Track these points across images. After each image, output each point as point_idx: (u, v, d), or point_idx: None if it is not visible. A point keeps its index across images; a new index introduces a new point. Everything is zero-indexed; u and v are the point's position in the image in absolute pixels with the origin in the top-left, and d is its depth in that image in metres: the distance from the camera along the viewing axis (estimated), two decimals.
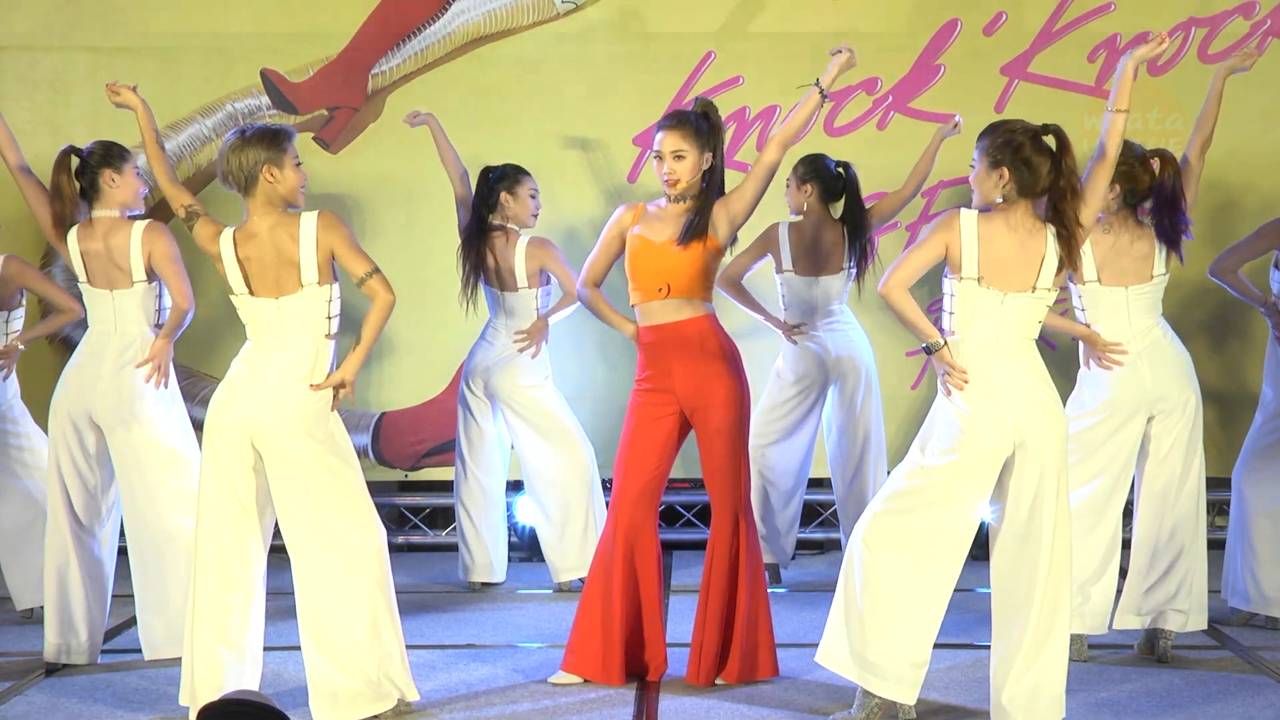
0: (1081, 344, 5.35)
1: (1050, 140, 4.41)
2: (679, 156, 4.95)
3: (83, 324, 5.51)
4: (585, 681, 5.07)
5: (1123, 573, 5.49)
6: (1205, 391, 5.39)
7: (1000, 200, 4.44)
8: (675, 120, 4.99)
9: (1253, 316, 6.92)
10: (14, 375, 5.97)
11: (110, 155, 5.38)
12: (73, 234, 5.35)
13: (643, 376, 5.08)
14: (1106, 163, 4.47)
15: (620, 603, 5.03)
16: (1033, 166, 4.38)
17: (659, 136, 4.98)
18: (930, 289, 6.37)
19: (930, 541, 4.46)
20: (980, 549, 4.83)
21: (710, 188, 5.01)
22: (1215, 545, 5.61)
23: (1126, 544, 5.47)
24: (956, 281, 4.46)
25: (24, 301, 5.99)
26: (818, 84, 4.92)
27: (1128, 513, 5.49)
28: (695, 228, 4.95)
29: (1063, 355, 6.73)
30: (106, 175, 5.36)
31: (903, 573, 4.46)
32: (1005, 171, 4.41)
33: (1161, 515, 5.34)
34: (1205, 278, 6.76)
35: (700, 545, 7.12)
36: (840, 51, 4.95)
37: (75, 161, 5.36)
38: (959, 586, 4.56)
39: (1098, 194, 4.47)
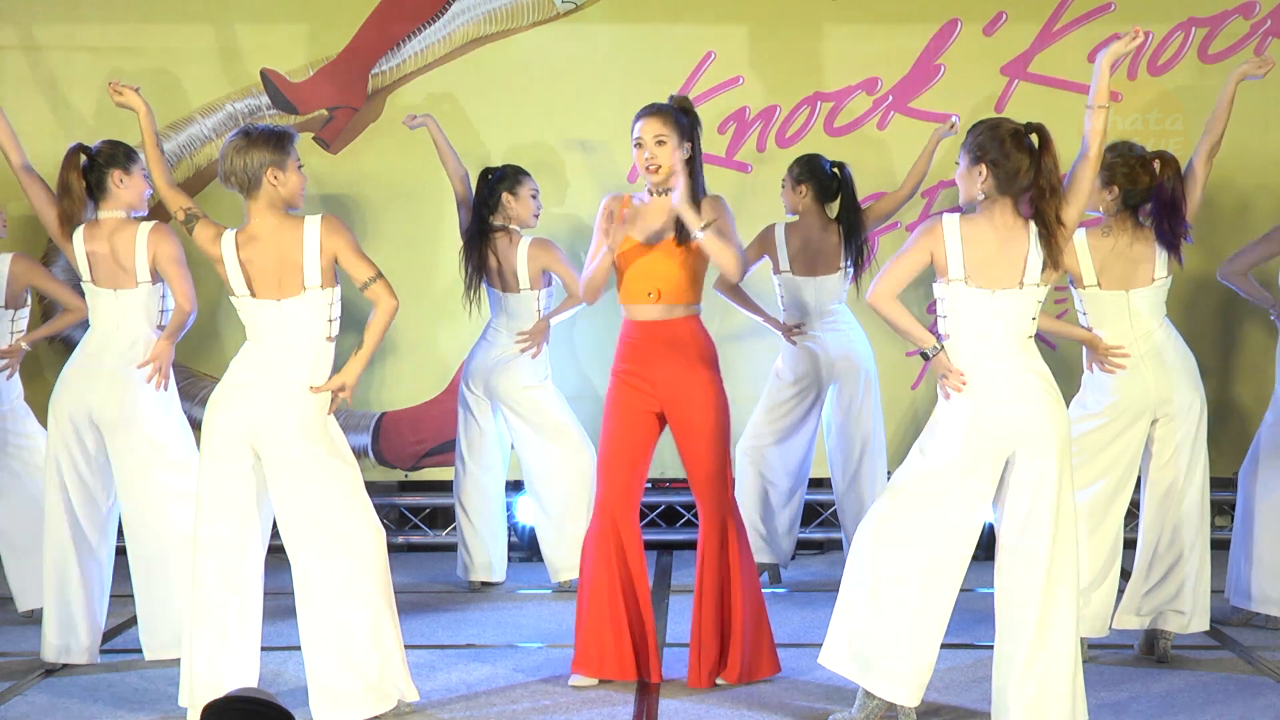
0: (1085, 348, 5.35)
1: (1034, 139, 4.41)
2: (660, 142, 4.95)
3: (85, 324, 5.51)
4: (601, 682, 5.07)
5: (1127, 574, 5.50)
6: (1206, 392, 5.38)
7: (982, 197, 4.45)
8: (654, 109, 5.01)
9: (1253, 317, 6.92)
10: (17, 375, 5.97)
11: (118, 156, 5.39)
12: (78, 233, 5.36)
13: (622, 368, 5.09)
14: (1090, 160, 4.47)
15: (623, 600, 5.04)
16: (1011, 164, 4.39)
17: (638, 125, 4.99)
18: (925, 290, 6.37)
19: (932, 542, 4.46)
20: (982, 550, 4.83)
21: (692, 181, 5.02)
22: (1217, 545, 5.60)
23: (1131, 545, 5.47)
24: (945, 285, 4.47)
25: (29, 300, 6.00)
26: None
27: (1133, 515, 5.50)
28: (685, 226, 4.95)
29: (1062, 358, 6.73)
30: (115, 175, 5.37)
31: (905, 573, 4.47)
32: (984, 168, 4.42)
33: (1164, 517, 5.33)
34: (1204, 279, 6.76)
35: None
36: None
37: (83, 160, 5.36)
38: (960, 587, 4.55)
39: (1083, 192, 4.46)
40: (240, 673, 4.67)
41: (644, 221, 5.03)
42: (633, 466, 5.07)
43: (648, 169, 4.98)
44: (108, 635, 5.68)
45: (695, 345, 5.05)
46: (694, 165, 5.03)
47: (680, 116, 5.00)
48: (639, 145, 4.98)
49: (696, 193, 5.02)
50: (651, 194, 5.06)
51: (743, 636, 5.06)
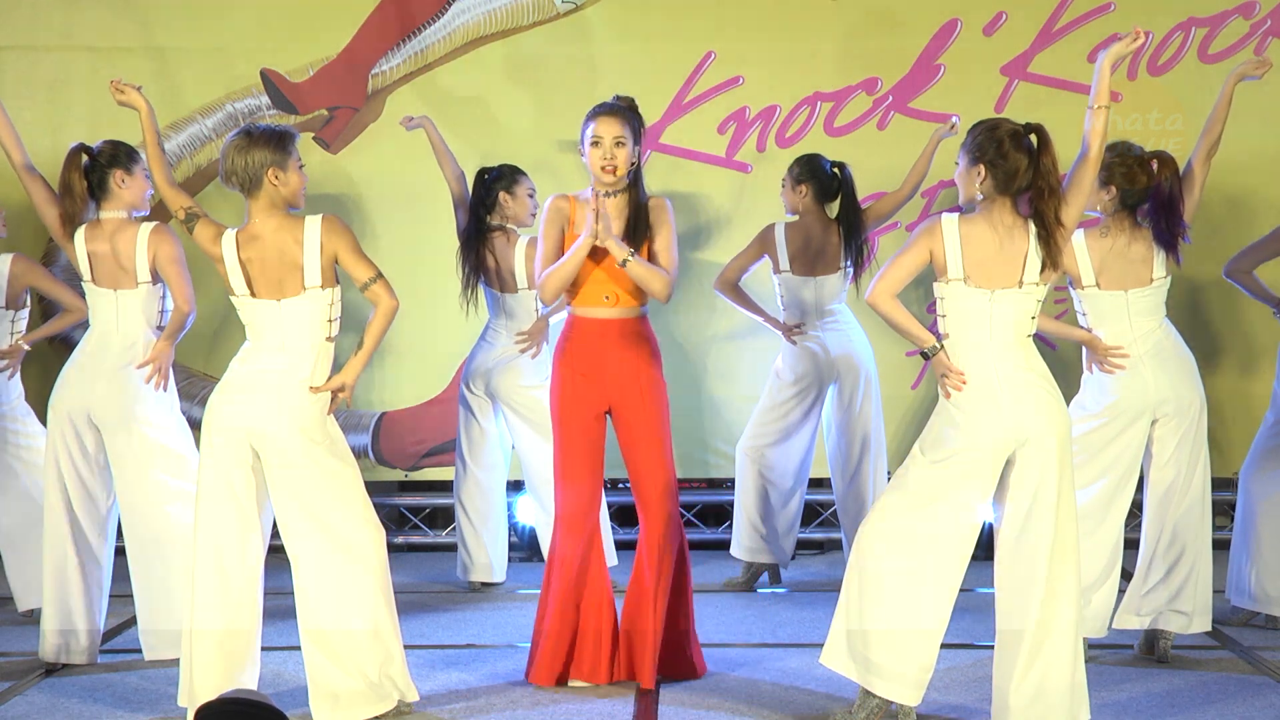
0: (1085, 348, 5.35)
1: (1032, 139, 4.41)
2: (620, 143, 4.93)
3: (85, 324, 5.51)
4: (592, 685, 5.09)
5: (1128, 575, 5.49)
6: (1206, 391, 5.38)
7: (980, 198, 4.45)
8: (613, 109, 4.99)
9: (1254, 315, 6.92)
10: (18, 375, 5.97)
11: (120, 155, 5.39)
12: (80, 233, 5.36)
13: (569, 365, 5.05)
14: (1090, 160, 4.47)
15: (607, 607, 5.08)
16: (1010, 164, 4.39)
17: (595, 123, 4.94)
18: (925, 290, 6.37)
19: (933, 541, 4.46)
20: (982, 550, 4.83)
21: (636, 184, 5.02)
22: (1218, 545, 5.60)
23: (1133, 545, 5.47)
24: (945, 284, 4.47)
25: (29, 301, 6.00)
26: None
27: (1134, 515, 5.49)
28: (640, 229, 4.94)
29: (1062, 358, 6.73)
30: (117, 175, 5.37)
31: (905, 573, 4.47)
32: (983, 169, 4.42)
33: (1164, 517, 5.33)
34: (1204, 278, 6.76)
35: (699, 545, 7.13)
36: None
37: (85, 160, 5.36)
38: (960, 587, 4.55)
39: (1082, 191, 4.47)
40: (240, 673, 4.66)
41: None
42: (594, 472, 5.09)
43: (604, 169, 4.93)
44: (108, 635, 5.68)
45: (645, 345, 5.06)
46: (638, 169, 5.02)
47: (634, 119, 5.00)
48: (596, 144, 4.93)
49: (640, 196, 5.01)
50: (599, 195, 4.96)
51: (693, 629, 5.17)
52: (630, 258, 4.87)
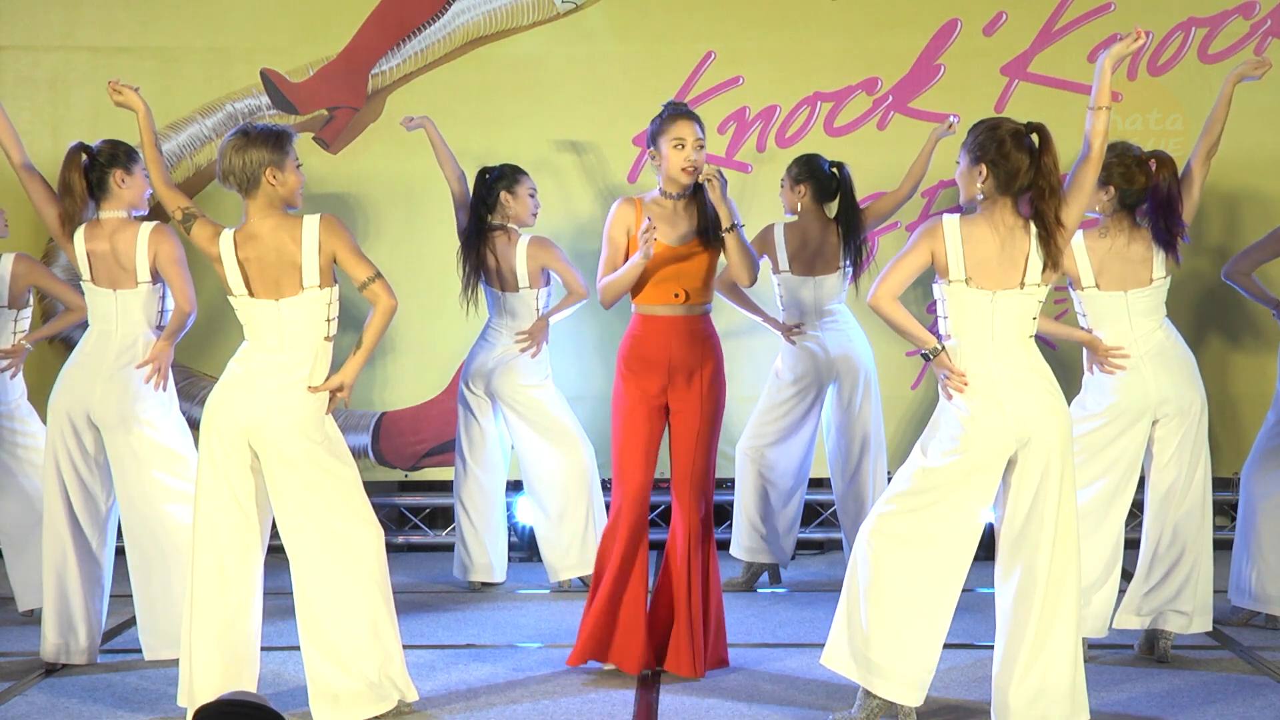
0: (1085, 349, 5.35)
1: (1034, 139, 4.41)
2: (700, 145, 5.04)
3: (86, 323, 5.51)
4: (617, 671, 5.15)
5: (1129, 575, 5.49)
6: (1208, 392, 5.38)
7: (981, 197, 4.45)
8: (689, 112, 5.09)
9: (1255, 316, 6.92)
10: (20, 374, 5.97)
11: (120, 155, 5.40)
12: (80, 233, 5.36)
13: (635, 364, 5.13)
14: (1091, 161, 4.47)
15: (641, 597, 5.14)
16: (1011, 164, 4.39)
17: (679, 125, 5.02)
18: (925, 290, 6.37)
19: (934, 542, 4.46)
20: (983, 549, 4.83)
21: (701, 185, 5.09)
22: (1218, 546, 5.60)
23: (1133, 545, 5.47)
24: (946, 285, 4.47)
25: (31, 300, 6.00)
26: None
27: (1134, 515, 5.49)
28: (715, 224, 5.02)
29: (1062, 358, 6.73)
30: (116, 175, 5.37)
31: (907, 574, 4.47)
32: (984, 168, 4.42)
33: (1165, 517, 5.33)
34: (1204, 279, 6.76)
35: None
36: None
37: (84, 159, 5.36)
38: (961, 587, 4.55)
39: (1084, 192, 4.46)
40: (240, 673, 4.66)
41: (665, 224, 5.06)
42: (650, 467, 5.16)
43: (685, 170, 5.01)
44: (108, 635, 5.68)
45: (710, 343, 5.17)
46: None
47: (702, 123, 5.11)
48: (680, 146, 5.01)
49: (703, 193, 5.09)
50: (665, 195, 5.10)
51: (721, 626, 5.25)
52: (737, 226, 4.98)
